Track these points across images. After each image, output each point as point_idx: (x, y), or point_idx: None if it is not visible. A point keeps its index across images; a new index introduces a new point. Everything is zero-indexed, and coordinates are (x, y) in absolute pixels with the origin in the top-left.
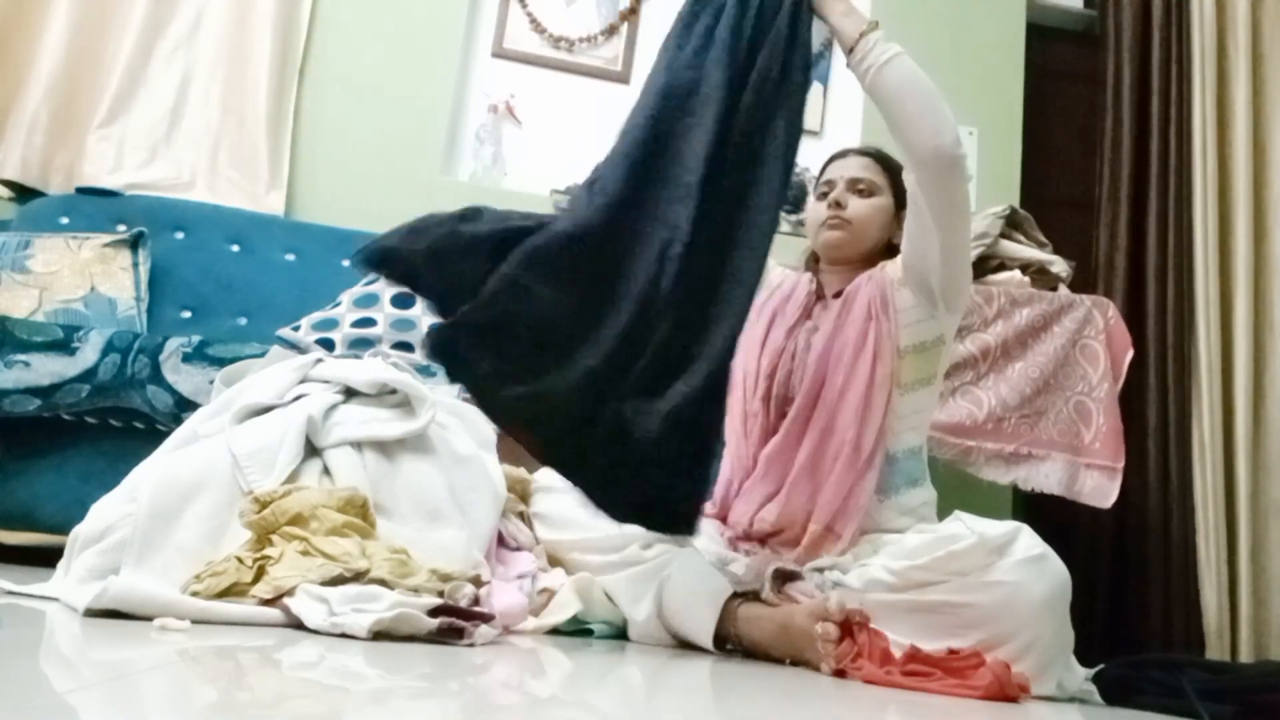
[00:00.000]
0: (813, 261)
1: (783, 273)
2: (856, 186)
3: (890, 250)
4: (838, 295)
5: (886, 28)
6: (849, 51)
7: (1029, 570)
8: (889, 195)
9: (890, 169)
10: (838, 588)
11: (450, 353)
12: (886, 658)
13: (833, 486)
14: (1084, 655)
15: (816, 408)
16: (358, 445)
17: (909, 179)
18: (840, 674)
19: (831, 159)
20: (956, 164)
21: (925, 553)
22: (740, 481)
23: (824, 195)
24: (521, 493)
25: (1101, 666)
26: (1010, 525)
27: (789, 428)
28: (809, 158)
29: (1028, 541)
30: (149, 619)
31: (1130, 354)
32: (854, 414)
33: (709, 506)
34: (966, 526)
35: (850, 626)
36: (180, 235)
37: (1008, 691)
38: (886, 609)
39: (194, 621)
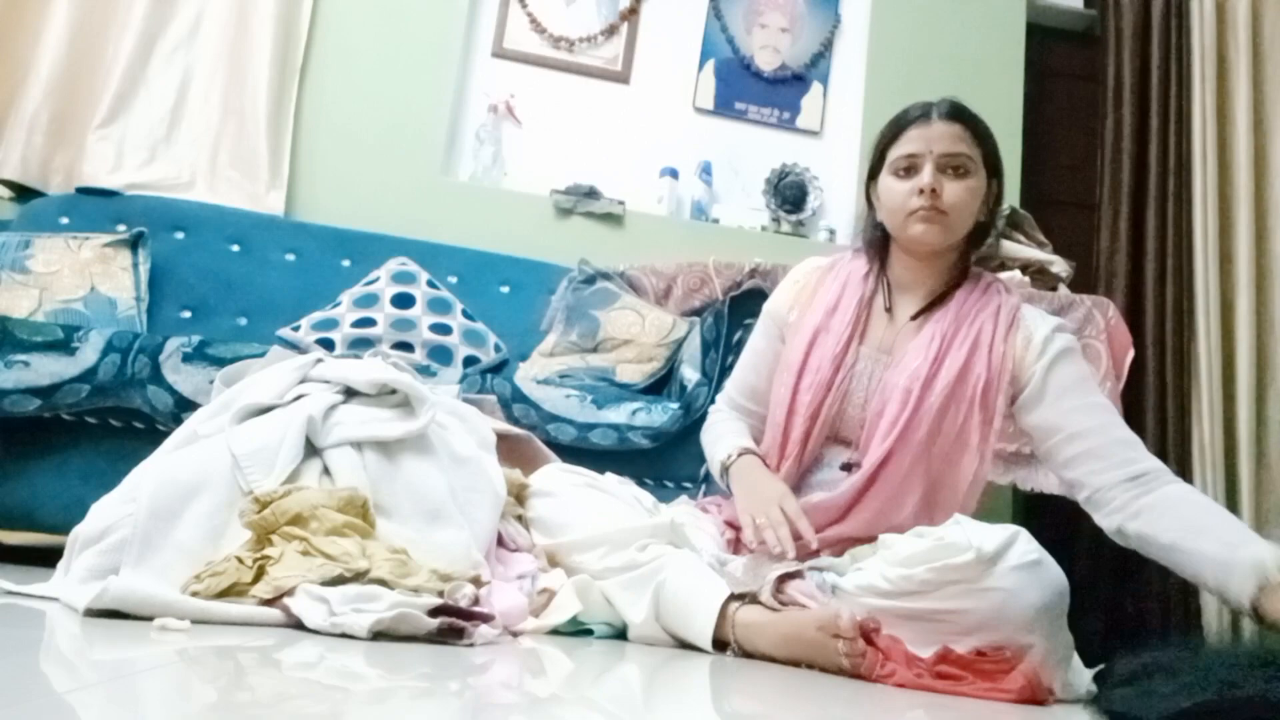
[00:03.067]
0: (878, 246)
1: (817, 268)
2: (954, 164)
3: (976, 229)
4: (916, 316)
5: (887, 27)
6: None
7: (1023, 576)
8: (982, 169)
9: (981, 135)
10: (836, 591)
11: None
12: (911, 661)
13: (888, 527)
14: (1085, 656)
15: (885, 470)
16: (358, 445)
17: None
18: (861, 678)
19: (910, 122)
20: None
21: (921, 562)
22: None
23: (907, 172)
24: (517, 496)
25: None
26: (1008, 531)
27: (849, 491)
28: (808, 157)
29: (1023, 547)
30: (149, 619)
31: (1131, 353)
32: (945, 506)
33: (713, 507)
34: (965, 535)
35: (868, 635)
36: (180, 235)
37: (1038, 695)
38: (879, 615)
39: (194, 621)
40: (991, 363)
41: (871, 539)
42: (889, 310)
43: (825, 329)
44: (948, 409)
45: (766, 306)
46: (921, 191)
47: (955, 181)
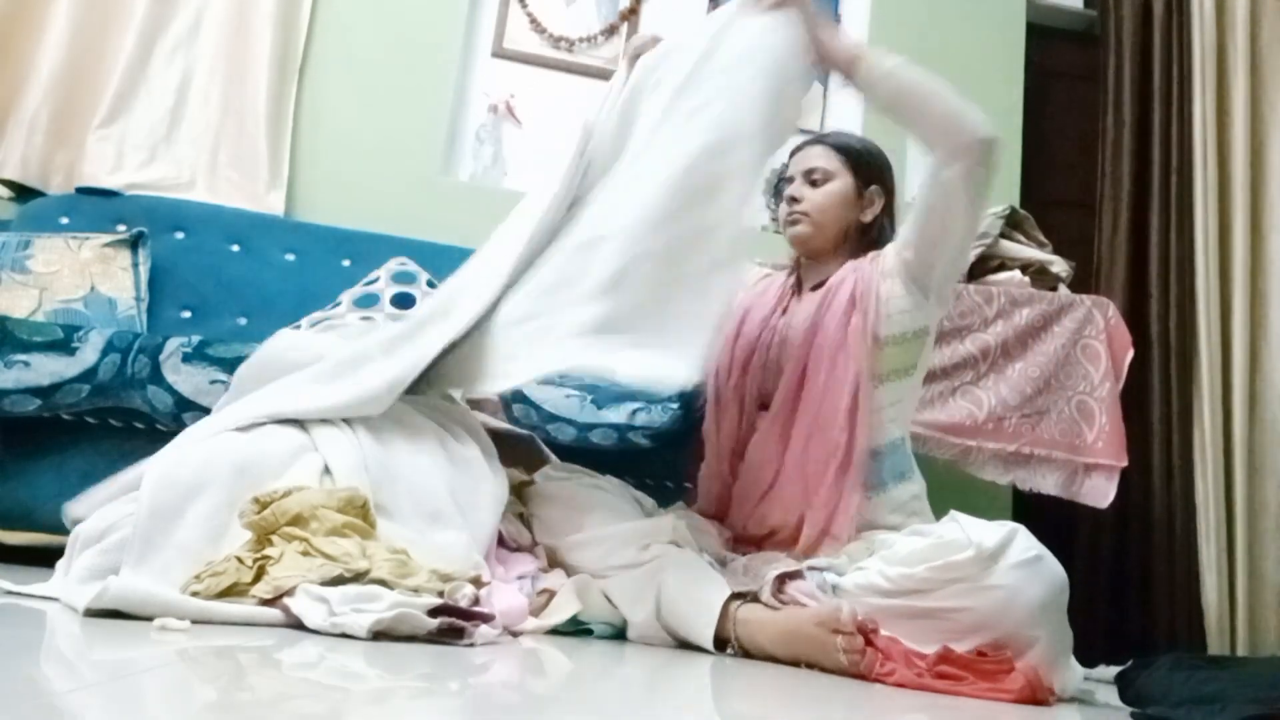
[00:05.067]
0: (795, 257)
1: (762, 272)
2: (811, 177)
3: (863, 230)
4: (817, 287)
5: (887, 27)
6: (849, 75)
7: (1024, 573)
8: (847, 177)
9: (845, 152)
10: (837, 591)
11: None
12: (911, 660)
13: (826, 491)
14: (1085, 655)
15: (800, 406)
16: (358, 444)
17: (942, 175)
18: (860, 677)
19: (791, 154)
20: (995, 143)
21: (921, 560)
22: (727, 479)
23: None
24: (518, 495)
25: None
26: (1006, 528)
27: (771, 424)
28: None
29: (1023, 544)
30: (149, 619)
31: (1131, 353)
32: (844, 417)
33: (703, 505)
34: (964, 532)
35: (866, 634)
36: (180, 235)
37: (1039, 695)
38: (881, 614)
39: (194, 621)
40: (861, 277)
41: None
42: (799, 295)
43: (754, 304)
44: (850, 313)
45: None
46: (790, 201)
47: (815, 189)
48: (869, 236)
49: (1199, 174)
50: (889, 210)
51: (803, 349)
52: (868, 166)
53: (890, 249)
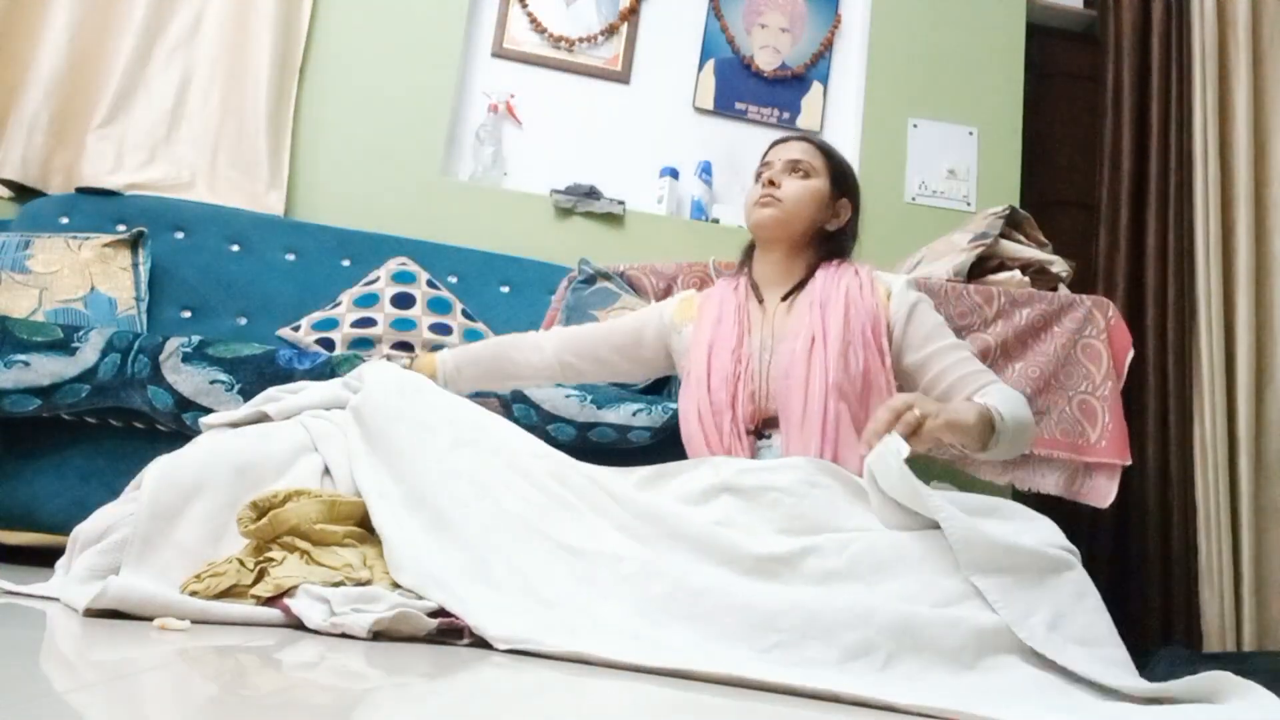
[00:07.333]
0: (746, 257)
1: (697, 294)
2: (795, 167)
3: (827, 237)
4: (787, 296)
5: (887, 27)
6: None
7: None
8: (825, 179)
9: (829, 156)
10: None
11: None
12: None
13: None
14: None
15: (800, 434)
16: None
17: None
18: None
19: (772, 145)
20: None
21: None
22: None
23: (761, 177)
24: None
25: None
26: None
27: (777, 452)
28: None
29: None
30: (149, 619)
31: (1131, 353)
32: (853, 449)
33: None
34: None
35: None
36: (180, 235)
37: None
38: None
39: (194, 621)
40: (866, 308)
41: None
42: (761, 303)
43: (718, 338)
44: (846, 352)
45: (657, 305)
46: (768, 184)
47: (795, 179)
48: (830, 246)
49: (1199, 173)
50: (853, 227)
51: (804, 356)
52: (844, 179)
53: (898, 284)
